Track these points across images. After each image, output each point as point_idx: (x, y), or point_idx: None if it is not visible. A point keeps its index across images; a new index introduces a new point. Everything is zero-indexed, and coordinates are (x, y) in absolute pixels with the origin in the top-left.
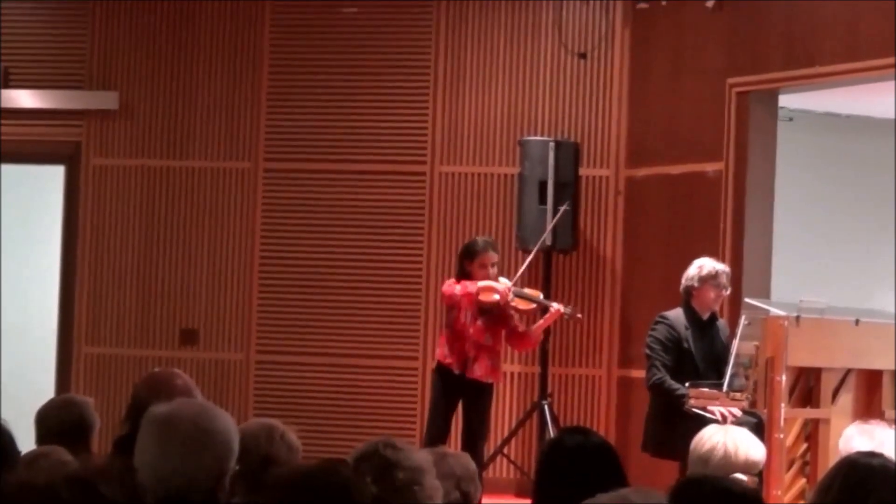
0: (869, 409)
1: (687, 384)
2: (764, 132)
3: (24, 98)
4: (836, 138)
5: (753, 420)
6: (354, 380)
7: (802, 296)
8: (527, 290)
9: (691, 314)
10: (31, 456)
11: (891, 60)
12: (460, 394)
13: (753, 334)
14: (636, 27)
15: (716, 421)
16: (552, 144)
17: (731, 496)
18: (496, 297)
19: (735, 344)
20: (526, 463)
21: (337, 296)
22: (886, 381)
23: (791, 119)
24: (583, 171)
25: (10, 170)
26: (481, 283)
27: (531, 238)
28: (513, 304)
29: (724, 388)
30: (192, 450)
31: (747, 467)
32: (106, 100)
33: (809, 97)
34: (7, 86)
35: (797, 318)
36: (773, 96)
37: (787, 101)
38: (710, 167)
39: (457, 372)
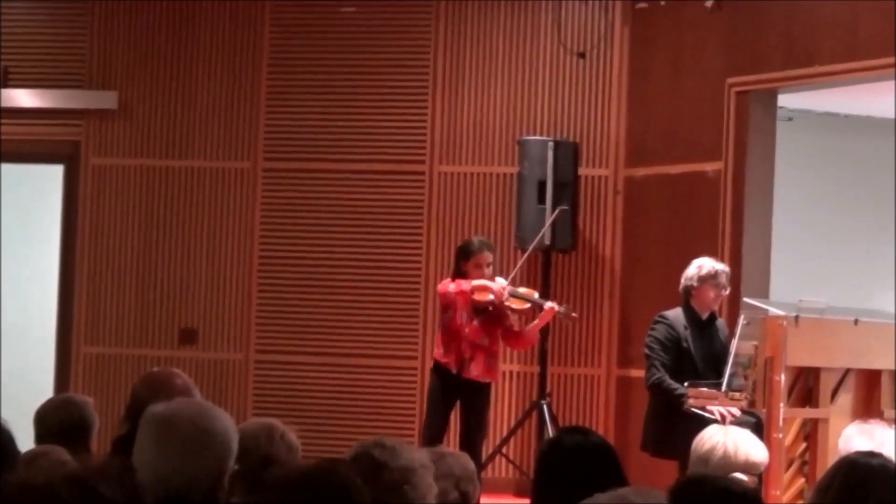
0: (868, 408)
1: (686, 384)
2: (763, 132)
3: (24, 97)
4: (836, 138)
5: (752, 420)
6: (354, 379)
7: (802, 296)
8: (522, 290)
9: (690, 314)
10: (31, 455)
11: (890, 60)
12: (458, 393)
13: (752, 334)
14: (635, 27)
15: (715, 421)
16: (551, 144)
17: (730, 496)
18: (491, 296)
19: (734, 344)
20: (525, 463)
21: (336, 295)
22: (885, 380)
23: (790, 119)
24: (582, 171)
25: (10, 169)
26: (476, 282)
27: (530, 238)
28: (508, 303)
29: (723, 387)
30: (192, 450)
31: (747, 467)
32: (105, 99)
33: (809, 97)
34: (6, 85)
35: (796, 317)
36: (772, 96)
37: (786, 100)
38: (709, 167)
39: (454, 371)
